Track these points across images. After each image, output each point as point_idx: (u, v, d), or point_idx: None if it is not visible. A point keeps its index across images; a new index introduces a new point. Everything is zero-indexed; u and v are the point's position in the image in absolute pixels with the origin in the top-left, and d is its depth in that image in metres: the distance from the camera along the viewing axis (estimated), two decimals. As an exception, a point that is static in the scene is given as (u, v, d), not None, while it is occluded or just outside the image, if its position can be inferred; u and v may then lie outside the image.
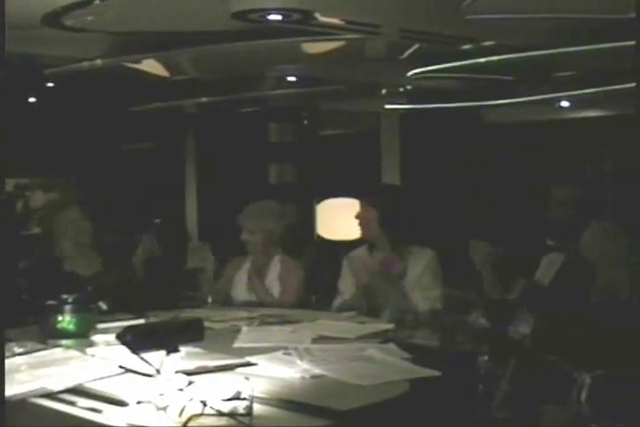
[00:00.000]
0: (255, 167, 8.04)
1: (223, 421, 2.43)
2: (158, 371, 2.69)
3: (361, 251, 4.97)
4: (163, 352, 2.75)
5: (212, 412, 2.46)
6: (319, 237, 7.96)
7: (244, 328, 3.81)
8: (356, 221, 4.90)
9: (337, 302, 4.84)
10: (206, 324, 3.84)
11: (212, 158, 8.98)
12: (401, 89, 7.16)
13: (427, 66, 6.04)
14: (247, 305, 4.71)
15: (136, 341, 2.59)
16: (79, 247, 4.88)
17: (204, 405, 2.48)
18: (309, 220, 7.98)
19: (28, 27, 4.93)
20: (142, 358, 2.64)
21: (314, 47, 6.06)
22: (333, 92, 7.37)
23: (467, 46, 5.44)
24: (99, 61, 5.73)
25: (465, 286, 4.68)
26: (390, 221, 4.79)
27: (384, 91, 7.41)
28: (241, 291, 4.99)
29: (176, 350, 2.67)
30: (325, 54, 6.09)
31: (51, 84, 7.26)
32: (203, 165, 9.13)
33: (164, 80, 6.79)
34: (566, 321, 4.00)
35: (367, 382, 2.77)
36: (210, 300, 4.69)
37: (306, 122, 8.01)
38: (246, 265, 5.09)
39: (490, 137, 8.46)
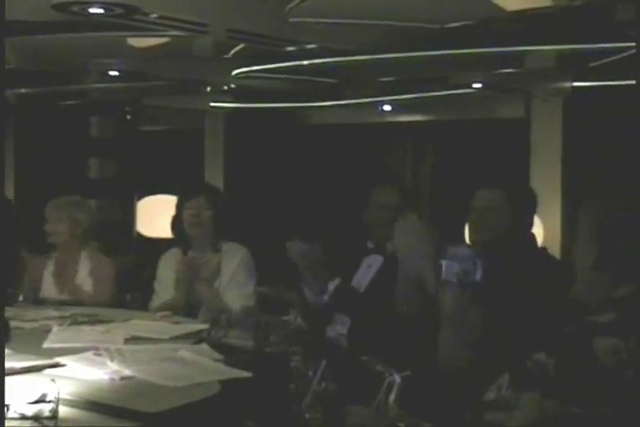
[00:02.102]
0: (75, 162, 7.86)
1: (27, 424, 2.38)
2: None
3: (176, 250, 4.94)
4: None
5: (16, 415, 2.40)
6: (139, 234, 7.86)
7: (55, 328, 3.73)
8: None
9: (154, 302, 4.80)
10: (16, 323, 3.79)
11: (31, 152, 8.72)
12: (225, 87, 7.16)
13: (251, 66, 6.06)
14: (59, 304, 4.60)
15: None
16: None
17: (7, 408, 2.41)
18: (130, 216, 7.86)
19: None
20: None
21: (138, 42, 5.99)
22: (157, 87, 7.30)
23: (291, 48, 5.51)
24: None
25: (283, 286, 4.71)
26: (210, 221, 4.79)
27: (209, 88, 7.39)
28: (49, 289, 4.89)
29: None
30: (150, 50, 6.03)
31: None
32: (21, 158, 8.85)
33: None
34: (378, 322, 4.10)
35: (177, 384, 2.76)
36: (20, 298, 4.56)
37: (129, 117, 7.88)
38: (52, 262, 4.99)
39: (314, 138, 8.57)
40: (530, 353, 2.62)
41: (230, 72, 6.31)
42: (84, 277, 4.88)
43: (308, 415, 2.88)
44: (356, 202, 4.62)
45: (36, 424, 2.37)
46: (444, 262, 3.38)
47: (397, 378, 3.10)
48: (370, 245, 4.46)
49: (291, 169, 8.55)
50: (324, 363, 3.04)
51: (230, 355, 3.28)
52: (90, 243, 5.06)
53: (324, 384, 2.96)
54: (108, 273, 4.93)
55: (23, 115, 8.25)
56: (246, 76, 6.16)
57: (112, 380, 2.84)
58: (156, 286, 4.88)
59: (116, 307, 4.58)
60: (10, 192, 9.07)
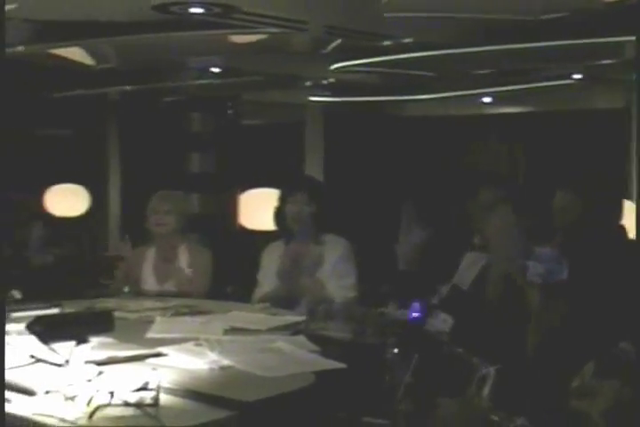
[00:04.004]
0: (177, 157, 8.06)
1: (130, 411, 2.49)
2: (67, 361, 2.72)
3: (279, 242, 5.03)
4: (73, 342, 2.79)
5: (119, 402, 2.51)
6: (241, 226, 8.01)
7: (158, 319, 3.84)
8: None
9: (256, 293, 4.89)
10: (120, 314, 3.93)
11: (135, 147, 8.96)
12: (324, 82, 7.25)
13: (349, 60, 6.14)
14: (159, 295, 4.73)
15: (45, 331, 2.63)
16: None
17: (112, 395, 2.53)
18: (232, 210, 8.02)
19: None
20: (51, 349, 2.67)
21: (237, 39, 6.11)
22: (257, 83, 7.43)
23: (387, 42, 5.56)
24: (20, 48, 5.70)
25: (382, 279, 4.77)
26: (311, 215, 4.87)
27: (308, 83, 7.49)
28: (149, 280, 5.01)
29: (85, 341, 2.70)
30: (248, 46, 6.14)
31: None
32: (126, 153, 9.09)
33: (87, 68, 6.78)
34: (480, 319, 4.11)
35: (273, 374, 2.84)
36: (126, 289, 4.71)
37: (229, 112, 8.04)
38: (151, 254, 5.12)
39: (412, 130, 8.59)
40: (615, 342, 2.64)
41: (328, 67, 6.40)
42: (183, 269, 5.00)
43: (400, 407, 2.94)
44: (453, 196, 4.64)
45: (138, 411, 2.47)
46: (530, 264, 3.41)
47: (492, 371, 3.13)
48: (476, 240, 4.47)
49: (390, 161, 8.59)
50: (416, 356, 3.09)
51: (326, 347, 3.33)
52: (190, 235, 5.18)
53: (415, 377, 3.01)
54: (207, 265, 5.04)
55: (127, 112, 8.48)
56: (344, 70, 6.23)
57: (211, 369, 2.94)
58: (259, 277, 4.97)
59: (216, 298, 4.69)
60: (116, 187, 9.35)
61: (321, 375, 2.90)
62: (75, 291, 4.39)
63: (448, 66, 6.19)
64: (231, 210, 8.02)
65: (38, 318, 2.73)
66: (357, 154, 8.48)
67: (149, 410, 2.47)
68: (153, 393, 2.53)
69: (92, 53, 6.56)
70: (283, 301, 4.56)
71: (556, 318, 3.39)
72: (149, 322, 3.78)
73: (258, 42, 6.00)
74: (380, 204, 8.26)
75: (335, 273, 4.75)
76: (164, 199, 5.14)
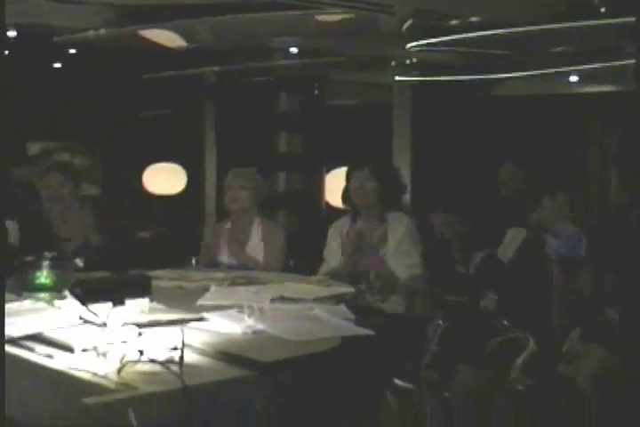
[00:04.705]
0: (265, 136, 8.24)
1: (156, 367, 2.66)
2: (105, 322, 2.91)
3: (344, 220, 5.16)
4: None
5: (147, 359, 2.69)
6: (328, 204, 8.17)
7: (212, 288, 4.01)
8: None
9: (322, 269, 5.02)
10: (179, 283, 4.15)
11: (228, 127, 9.18)
12: (408, 61, 7.32)
13: (427, 39, 6.19)
14: (231, 268, 4.91)
15: (83, 293, 2.81)
16: (61, 210, 5.12)
17: (141, 353, 2.71)
18: (318, 188, 8.18)
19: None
20: (89, 310, 2.87)
21: (323, 20, 6.24)
22: (343, 63, 7.55)
23: (470, 20, 5.60)
24: (102, 31, 5.96)
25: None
26: (374, 191, 4.98)
27: (393, 63, 7.57)
28: (223, 254, 5.20)
29: (122, 303, 2.89)
30: (334, 27, 6.26)
31: (73, 51, 7.52)
32: (220, 133, 9.32)
33: (177, 49, 7.01)
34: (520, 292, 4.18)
35: (299, 338, 2.97)
36: (193, 262, 4.91)
37: (316, 92, 8.18)
38: (227, 229, 5.29)
39: (498, 109, 8.57)
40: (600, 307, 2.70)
41: (410, 47, 6.47)
42: (255, 244, 5.16)
43: (425, 374, 3.04)
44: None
45: (162, 368, 2.64)
46: (553, 241, 3.48)
47: (532, 342, 3.21)
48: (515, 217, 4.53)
49: (477, 140, 8.60)
50: (442, 325, 3.19)
51: (364, 315, 3.44)
52: (263, 211, 5.34)
53: (441, 345, 3.12)
54: (279, 240, 5.20)
55: (220, 92, 8.70)
56: (422, 49, 6.30)
57: (244, 333, 3.09)
58: (325, 253, 5.11)
59: (283, 271, 4.84)
60: (212, 166, 9.59)
61: (348, 341, 3.01)
62: (145, 262, 4.56)
63: (526, 44, 6.18)
64: (318, 188, 8.18)
65: (78, 280, 2.92)
66: (444, 133, 8.52)
67: (173, 367, 2.64)
68: (179, 352, 2.71)
69: (183, 35, 6.79)
70: (347, 277, 4.67)
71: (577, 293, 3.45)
72: (205, 291, 3.95)
73: (343, 23, 6.11)
74: (467, 183, 8.28)
75: (399, 251, 4.84)
76: (238, 176, 5.32)
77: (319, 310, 3.42)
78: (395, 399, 3.04)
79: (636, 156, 3.83)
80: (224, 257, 5.18)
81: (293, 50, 7.28)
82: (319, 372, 2.81)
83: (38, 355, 2.85)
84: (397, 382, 3.05)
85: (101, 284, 2.92)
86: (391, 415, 2.87)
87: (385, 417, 2.83)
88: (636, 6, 4.27)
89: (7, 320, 3.14)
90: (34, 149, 9.67)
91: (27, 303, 3.44)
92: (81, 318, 3.14)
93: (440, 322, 3.43)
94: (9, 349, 2.94)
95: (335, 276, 4.70)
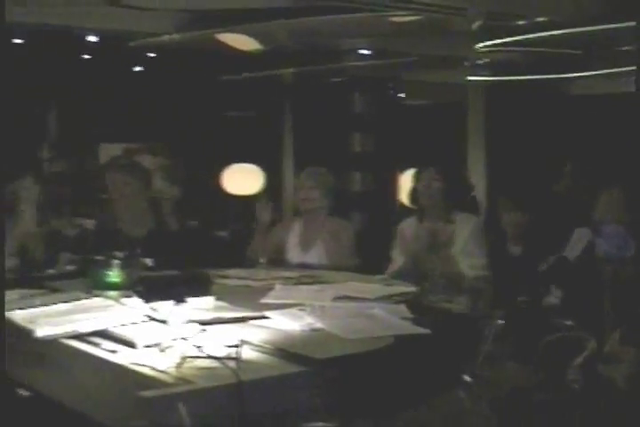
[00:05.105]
0: (340, 136, 8.31)
1: (214, 363, 2.76)
2: (167, 320, 3.02)
3: (411, 220, 5.20)
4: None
5: (206, 355, 2.79)
6: (402, 204, 8.20)
7: (277, 286, 4.09)
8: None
9: (389, 269, 5.07)
10: (245, 282, 4.24)
11: (304, 128, 9.27)
12: (479, 61, 7.32)
13: (497, 39, 6.20)
14: (300, 267, 4.99)
15: (146, 291, 2.92)
16: (130, 209, 5.25)
17: (200, 349, 2.82)
18: (392, 187, 8.22)
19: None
20: (151, 308, 2.98)
21: (394, 21, 6.29)
22: (415, 63, 7.58)
23: (538, 20, 5.59)
24: (179, 35, 6.10)
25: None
26: (440, 192, 5.01)
27: (466, 63, 7.58)
28: (293, 252, 5.27)
29: (183, 301, 2.99)
30: (405, 28, 6.31)
31: (151, 55, 7.69)
32: (297, 134, 9.42)
33: (252, 52, 7.13)
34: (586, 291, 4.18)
35: (355, 336, 3.04)
36: (261, 260, 5.00)
37: (391, 92, 8.24)
38: (297, 228, 5.37)
39: (573, 109, 8.50)
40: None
41: (480, 47, 6.48)
42: (325, 243, 5.22)
43: (479, 372, 3.08)
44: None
45: (220, 364, 2.74)
46: (600, 241, 3.48)
47: (593, 343, 3.23)
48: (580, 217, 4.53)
49: (551, 140, 8.54)
50: (499, 324, 3.22)
51: (424, 315, 3.47)
52: (335, 211, 5.40)
53: (497, 344, 3.15)
54: (348, 240, 5.25)
55: (297, 94, 8.81)
56: (490, 50, 6.31)
57: (303, 331, 3.17)
58: (392, 253, 5.16)
59: (350, 271, 4.89)
60: (289, 167, 9.68)
61: (401, 339, 3.06)
62: (212, 261, 4.65)
63: (597, 43, 6.15)
64: (391, 188, 8.23)
65: (140, 278, 3.04)
66: (519, 133, 8.48)
67: (230, 363, 2.73)
68: (237, 349, 2.80)
69: (257, 38, 6.89)
70: (412, 277, 4.69)
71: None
72: (271, 290, 4.02)
73: (414, 23, 6.15)
74: (538, 182, 8.23)
75: (465, 251, 4.86)
76: (310, 176, 5.39)
77: (377, 309, 3.48)
78: (457, 397, 3.09)
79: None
80: (294, 256, 5.25)
81: (367, 51, 7.33)
82: (372, 369, 2.87)
83: (103, 350, 2.97)
84: (465, 377, 3.08)
85: (162, 282, 3.02)
86: (442, 414, 2.91)
87: (436, 416, 2.87)
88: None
89: (76, 317, 3.30)
90: (115, 150, 9.88)
91: (97, 301, 3.57)
92: (146, 315, 3.25)
93: (500, 321, 3.46)
94: (76, 344, 3.08)
95: (401, 275, 4.74)
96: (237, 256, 5.48)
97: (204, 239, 6.61)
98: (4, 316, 3.04)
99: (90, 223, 5.75)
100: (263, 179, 9.68)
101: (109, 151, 9.45)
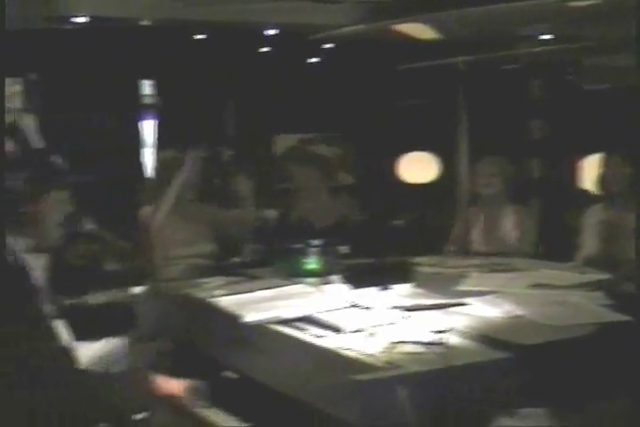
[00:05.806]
0: (517, 123, 8.23)
1: (421, 348, 2.83)
2: (372, 306, 3.11)
3: (600, 206, 5.14)
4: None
5: (412, 341, 2.87)
6: (584, 190, 8.06)
7: (474, 274, 4.14)
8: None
9: (578, 256, 5.04)
10: (436, 269, 4.31)
11: (479, 115, 9.22)
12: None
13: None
14: (486, 254, 5.01)
15: (353, 278, 3.02)
16: (313, 199, 5.37)
17: (408, 335, 2.90)
18: (571, 174, 8.09)
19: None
20: (358, 294, 3.07)
21: (574, 5, 6.21)
22: (593, 47, 7.43)
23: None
24: (357, 26, 6.18)
25: None
26: (629, 178, 4.94)
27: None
28: (477, 240, 5.30)
29: (387, 288, 3.07)
30: (583, 11, 6.21)
31: (329, 46, 7.83)
32: (472, 122, 9.38)
33: (429, 41, 7.16)
34: None
35: (555, 323, 3.06)
36: (451, 248, 5.05)
37: (569, 78, 8.11)
38: (479, 215, 5.39)
39: None
40: None
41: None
42: (507, 230, 5.24)
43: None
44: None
45: (426, 349, 2.81)
46: None
47: None
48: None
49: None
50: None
51: (623, 302, 3.44)
52: (515, 198, 5.41)
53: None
54: (530, 226, 5.27)
55: (472, 81, 8.77)
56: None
57: (503, 318, 3.21)
58: (580, 240, 5.12)
59: (535, 258, 4.89)
60: (464, 155, 9.66)
61: (602, 327, 3.05)
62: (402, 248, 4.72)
63: None
64: (571, 175, 8.10)
65: (348, 267, 3.13)
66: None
67: (436, 348, 2.80)
68: (443, 335, 2.87)
69: (433, 27, 6.92)
70: (602, 264, 4.66)
71: None
72: (462, 277, 4.07)
73: (593, 7, 6.06)
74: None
75: None
76: (490, 163, 5.43)
77: (576, 297, 3.48)
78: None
79: None
80: (477, 243, 5.29)
81: (544, 37, 7.23)
82: (575, 356, 2.88)
83: (310, 335, 3.08)
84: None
85: (369, 270, 3.11)
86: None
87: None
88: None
89: (280, 303, 3.43)
90: (291, 141, 10.07)
91: (297, 288, 3.69)
92: (348, 301, 3.35)
93: None
94: (282, 329, 3.20)
95: (590, 263, 4.71)
96: (418, 244, 5.53)
97: (386, 228, 6.70)
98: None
99: (271, 213, 5.92)
100: (437, 166, 9.70)
101: (286, 142, 9.65)
